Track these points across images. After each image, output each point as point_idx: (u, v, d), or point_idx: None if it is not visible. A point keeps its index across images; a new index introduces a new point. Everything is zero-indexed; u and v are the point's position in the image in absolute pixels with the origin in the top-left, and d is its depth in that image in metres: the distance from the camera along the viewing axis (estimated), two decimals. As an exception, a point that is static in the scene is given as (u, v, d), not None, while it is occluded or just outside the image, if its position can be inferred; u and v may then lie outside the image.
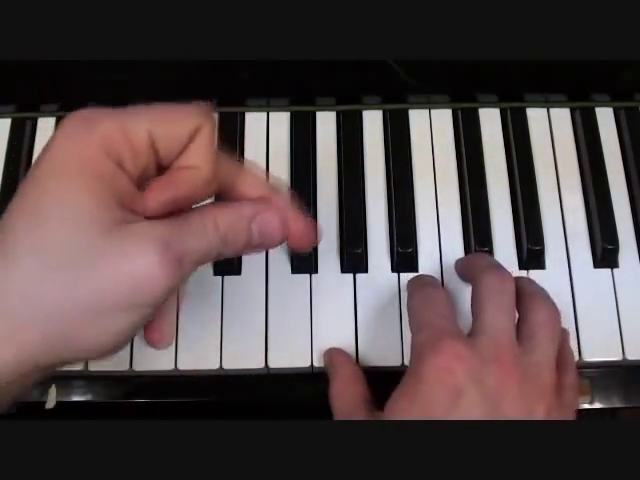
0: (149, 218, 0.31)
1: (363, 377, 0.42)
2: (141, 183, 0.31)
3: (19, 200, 0.30)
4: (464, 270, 0.44)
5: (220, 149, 0.33)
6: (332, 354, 0.44)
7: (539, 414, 0.35)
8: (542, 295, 0.40)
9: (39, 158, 0.30)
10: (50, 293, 0.29)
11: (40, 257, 0.29)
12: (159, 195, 0.31)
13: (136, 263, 0.29)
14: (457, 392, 0.34)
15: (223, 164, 0.33)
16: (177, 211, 0.32)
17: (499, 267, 0.40)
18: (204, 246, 0.31)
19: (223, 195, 0.34)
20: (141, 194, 0.31)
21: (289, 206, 0.34)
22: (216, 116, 0.51)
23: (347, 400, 0.41)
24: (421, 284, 0.43)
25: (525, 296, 0.40)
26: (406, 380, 0.36)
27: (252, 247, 0.34)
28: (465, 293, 0.44)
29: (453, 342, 0.35)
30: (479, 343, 0.36)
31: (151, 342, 0.35)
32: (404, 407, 0.35)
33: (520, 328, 0.38)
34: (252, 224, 0.33)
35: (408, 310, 0.41)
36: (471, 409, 0.34)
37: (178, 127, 0.31)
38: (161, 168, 0.32)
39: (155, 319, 0.34)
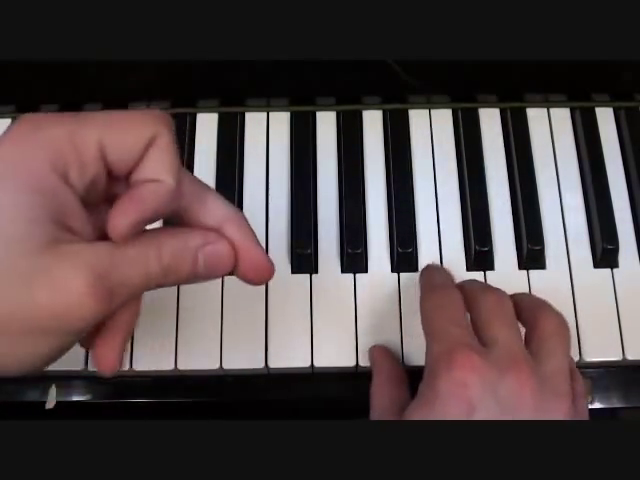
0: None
1: (402, 377, 0.42)
2: (89, 195, 0.30)
3: None
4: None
5: (183, 168, 0.31)
6: (374, 352, 0.43)
7: None
8: (547, 306, 0.40)
9: None
10: None
11: None
12: (126, 218, 0.28)
13: (62, 290, 0.26)
14: (472, 405, 0.34)
15: (186, 183, 0.31)
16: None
17: (494, 288, 0.40)
18: (142, 278, 0.29)
19: (178, 218, 0.32)
20: (85, 211, 0.29)
21: (247, 235, 0.32)
22: (215, 116, 0.51)
23: (383, 399, 0.41)
24: (434, 284, 0.42)
25: (529, 309, 0.39)
26: (421, 393, 0.36)
27: (195, 278, 0.32)
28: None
29: (468, 353, 0.35)
30: (493, 353, 0.36)
31: (97, 367, 0.32)
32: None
33: (529, 340, 0.38)
34: (199, 254, 0.31)
35: (421, 312, 0.40)
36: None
37: (130, 136, 0.29)
38: (113, 179, 0.30)
39: (98, 345, 0.32)
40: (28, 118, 0.29)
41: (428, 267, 0.45)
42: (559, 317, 0.39)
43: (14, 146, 0.28)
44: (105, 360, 0.31)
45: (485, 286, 0.41)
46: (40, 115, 0.29)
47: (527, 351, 0.37)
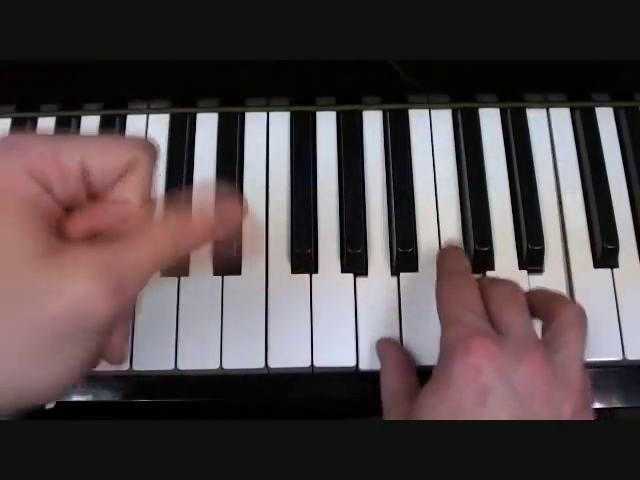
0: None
1: (410, 364, 0.42)
2: (70, 210, 0.31)
3: None
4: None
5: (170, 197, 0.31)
6: (380, 344, 0.44)
7: (566, 414, 0.35)
8: (565, 297, 0.40)
9: None
10: None
11: None
12: (80, 224, 0.30)
13: (71, 298, 0.27)
14: (486, 391, 0.34)
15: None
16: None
17: (507, 280, 0.41)
18: (152, 260, 0.29)
19: None
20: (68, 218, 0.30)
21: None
22: (215, 116, 0.51)
23: (392, 383, 0.41)
24: (452, 271, 0.42)
25: (546, 302, 0.40)
26: (435, 378, 0.36)
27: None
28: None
29: (483, 340, 0.35)
30: (508, 340, 0.36)
31: (110, 360, 0.33)
32: (433, 405, 0.35)
33: (546, 330, 0.38)
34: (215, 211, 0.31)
35: (437, 299, 0.40)
36: (500, 407, 0.34)
37: (112, 159, 0.30)
38: (95, 198, 0.31)
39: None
40: (6, 137, 0.30)
41: (447, 248, 0.45)
42: (578, 308, 0.39)
43: None
44: (117, 349, 0.32)
45: (499, 279, 0.42)
46: (20, 135, 0.30)
47: (542, 339, 0.37)
